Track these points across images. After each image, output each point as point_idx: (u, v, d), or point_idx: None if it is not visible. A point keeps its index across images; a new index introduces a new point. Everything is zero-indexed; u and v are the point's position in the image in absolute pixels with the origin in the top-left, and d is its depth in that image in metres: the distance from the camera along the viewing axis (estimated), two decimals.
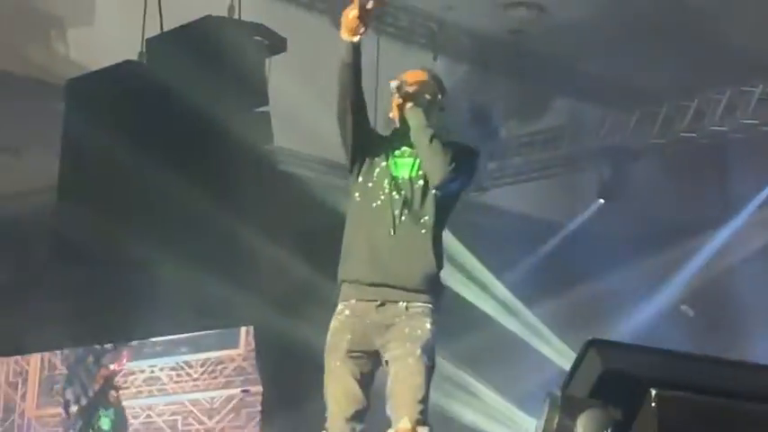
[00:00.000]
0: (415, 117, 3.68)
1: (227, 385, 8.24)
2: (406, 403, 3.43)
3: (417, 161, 3.69)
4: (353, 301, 3.63)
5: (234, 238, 7.11)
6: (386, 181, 3.67)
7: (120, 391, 7.91)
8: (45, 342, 8.39)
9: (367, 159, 3.74)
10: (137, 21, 7.36)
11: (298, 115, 7.71)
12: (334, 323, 3.67)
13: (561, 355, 7.99)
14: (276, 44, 7.56)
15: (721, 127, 7.77)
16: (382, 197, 3.66)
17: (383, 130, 3.95)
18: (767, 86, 7.57)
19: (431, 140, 3.62)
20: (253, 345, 8.02)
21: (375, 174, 3.71)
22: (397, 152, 3.74)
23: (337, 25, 8.23)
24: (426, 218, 3.65)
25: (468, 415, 8.19)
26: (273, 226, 7.29)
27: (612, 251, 7.89)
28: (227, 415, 8.15)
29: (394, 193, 3.65)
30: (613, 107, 8.56)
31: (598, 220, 8.55)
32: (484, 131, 8.59)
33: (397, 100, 3.71)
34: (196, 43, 7.29)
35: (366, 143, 3.75)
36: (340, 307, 3.68)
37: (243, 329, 8.19)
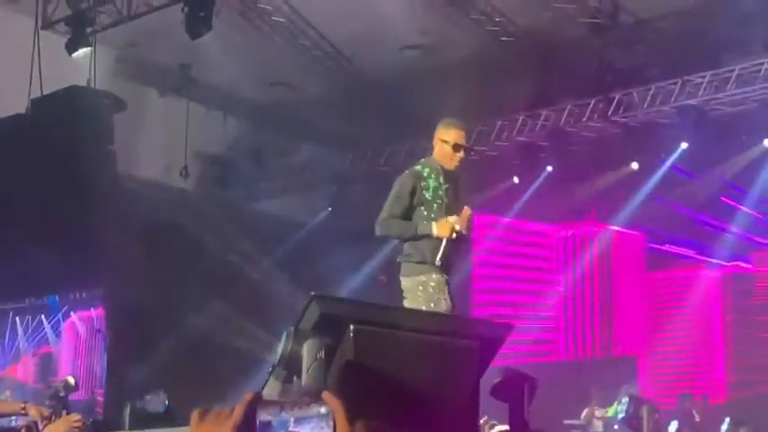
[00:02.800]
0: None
1: None
2: None
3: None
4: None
5: (89, 231, 10.12)
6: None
7: None
8: None
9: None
10: (24, 86, 10.41)
11: (133, 151, 11.40)
12: None
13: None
14: (119, 104, 10.84)
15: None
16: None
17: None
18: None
19: None
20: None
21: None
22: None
23: (162, 93, 12.82)
24: None
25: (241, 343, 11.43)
26: (118, 222, 10.48)
27: (337, 241, 11.92)
28: None
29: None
30: (336, 149, 12.89)
31: (327, 221, 12.83)
32: (258, 163, 12.88)
33: (459, 157, 5.37)
34: (65, 103, 10.36)
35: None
36: None
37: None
